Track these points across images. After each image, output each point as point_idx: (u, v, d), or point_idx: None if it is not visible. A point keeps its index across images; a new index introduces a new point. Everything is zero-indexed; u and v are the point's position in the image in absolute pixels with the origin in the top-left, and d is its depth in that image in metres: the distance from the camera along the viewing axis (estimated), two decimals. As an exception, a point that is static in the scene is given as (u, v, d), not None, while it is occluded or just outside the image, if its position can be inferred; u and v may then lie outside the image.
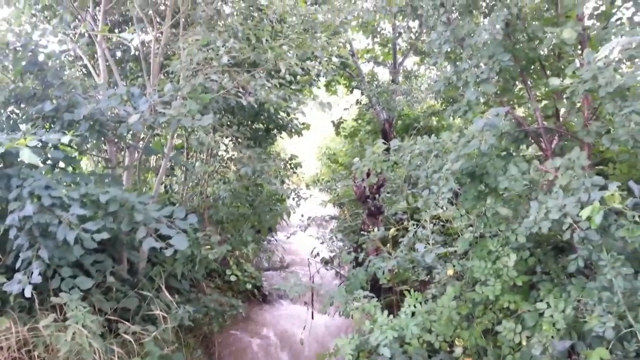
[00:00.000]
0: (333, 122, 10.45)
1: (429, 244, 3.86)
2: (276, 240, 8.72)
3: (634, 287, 2.75)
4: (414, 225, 4.29)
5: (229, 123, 5.87)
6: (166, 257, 4.55)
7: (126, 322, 3.78)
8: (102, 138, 4.45)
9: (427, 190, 3.82)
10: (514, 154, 4.11)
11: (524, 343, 3.33)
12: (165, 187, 6.48)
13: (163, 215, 3.81)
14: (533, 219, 3.10)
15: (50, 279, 3.57)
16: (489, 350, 3.57)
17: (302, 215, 7.92)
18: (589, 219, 2.59)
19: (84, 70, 5.66)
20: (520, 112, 5.25)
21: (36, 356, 3.29)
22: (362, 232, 5.63)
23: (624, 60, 3.15)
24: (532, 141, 4.22)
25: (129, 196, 3.71)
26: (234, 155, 6.60)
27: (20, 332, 3.31)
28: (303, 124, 7.29)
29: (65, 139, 3.60)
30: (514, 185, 3.48)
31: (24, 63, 4.06)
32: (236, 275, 6.12)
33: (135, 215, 3.65)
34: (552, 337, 3.02)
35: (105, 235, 3.42)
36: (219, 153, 6.73)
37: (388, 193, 6.07)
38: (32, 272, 3.21)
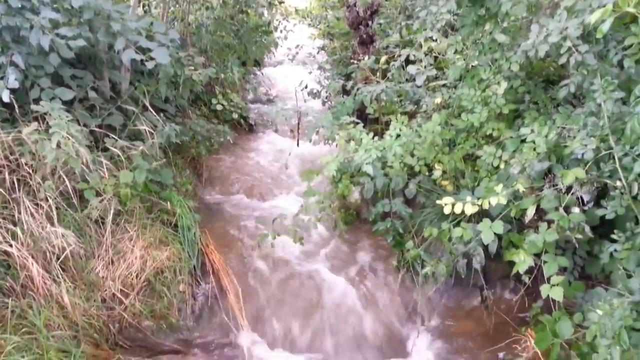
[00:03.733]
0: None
1: (421, 67, 3.76)
2: (262, 73, 8.52)
3: (622, 112, 2.75)
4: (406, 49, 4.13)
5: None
6: (149, 79, 4.45)
7: (113, 136, 3.78)
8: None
9: (424, 11, 3.62)
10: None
11: (502, 167, 3.45)
12: (143, 6, 6.04)
13: (142, 27, 3.61)
14: (532, 42, 2.98)
15: (30, 89, 3.47)
16: (467, 174, 3.71)
17: (289, 49, 7.66)
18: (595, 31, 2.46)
19: None
20: None
21: (24, 163, 3.32)
22: (351, 61, 5.48)
23: None
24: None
25: (103, 3, 3.45)
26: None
27: (4, 141, 3.29)
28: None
29: None
30: (515, 10, 3.28)
31: None
32: (222, 105, 6.08)
33: (112, 25, 3.44)
34: (531, 159, 3.11)
35: (81, 43, 3.25)
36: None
37: (381, 23, 5.77)
38: (8, 78, 3.09)
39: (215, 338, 3.46)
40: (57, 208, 3.40)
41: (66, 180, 3.46)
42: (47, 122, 3.32)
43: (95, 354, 3.17)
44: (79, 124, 3.69)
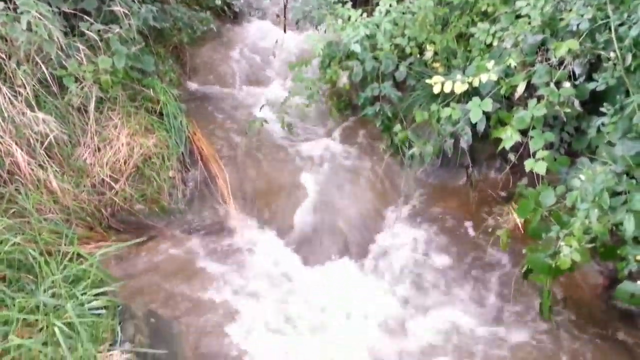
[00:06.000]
0: None
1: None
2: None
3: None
4: None
5: None
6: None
7: (88, 19, 3.58)
8: None
9: None
10: None
11: (495, 44, 3.34)
12: None
13: None
14: None
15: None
16: (459, 53, 3.59)
17: None
18: None
19: None
20: None
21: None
22: None
23: None
24: None
25: None
26: None
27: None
28: None
29: None
30: None
31: None
32: (204, -12, 5.71)
33: None
34: (525, 32, 3.00)
35: None
36: None
37: None
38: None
39: (207, 221, 3.55)
40: (36, 96, 3.32)
41: (43, 66, 3.33)
42: (15, 2, 3.13)
43: (88, 236, 3.25)
44: (50, 6, 3.48)
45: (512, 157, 3.19)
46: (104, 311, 2.61)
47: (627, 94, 2.67)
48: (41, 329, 2.46)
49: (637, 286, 2.36)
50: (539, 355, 2.76)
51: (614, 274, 2.79)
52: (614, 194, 2.27)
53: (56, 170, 3.26)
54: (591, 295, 2.91)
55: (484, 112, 3.12)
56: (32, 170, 3.18)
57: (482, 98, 3.15)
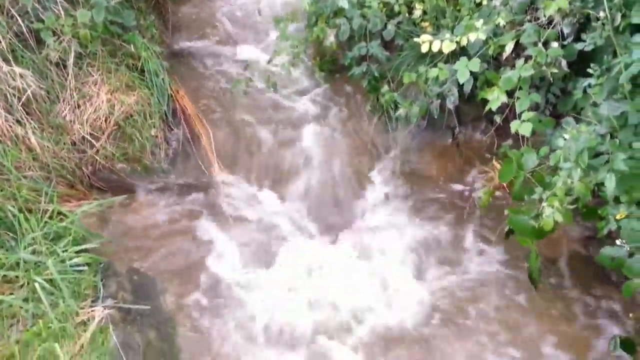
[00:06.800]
0: None
1: None
2: None
3: None
4: None
5: None
6: None
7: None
8: None
9: None
10: None
11: (484, 3, 3.27)
12: None
13: None
14: None
15: None
16: (448, 12, 3.52)
17: None
18: None
19: None
20: None
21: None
22: None
23: None
24: None
25: None
26: None
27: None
28: None
29: None
30: None
31: None
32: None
33: None
34: (515, -10, 2.94)
35: None
36: None
37: None
38: None
39: (190, 179, 3.52)
40: (12, 50, 3.21)
41: (19, 19, 3.22)
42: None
43: (70, 194, 3.21)
44: None
45: (497, 119, 3.18)
46: (85, 268, 2.61)
47: (615, 54, 2.64)
48: (22, 286, 2.46)
49: (618, 250, 2.38)
50: (516, 313, 2.84)
51: (595, 234, 2.85)
52: (597, 154, 2.28)
53: (35, 127, 3.18)
54: (571, 255, 2.98)
55: (471, 73, 3.09)
56: (10, 126, 3.10)
57: (470, 58, 3.12)
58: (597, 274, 2.91)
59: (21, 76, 3.15)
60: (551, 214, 2.37)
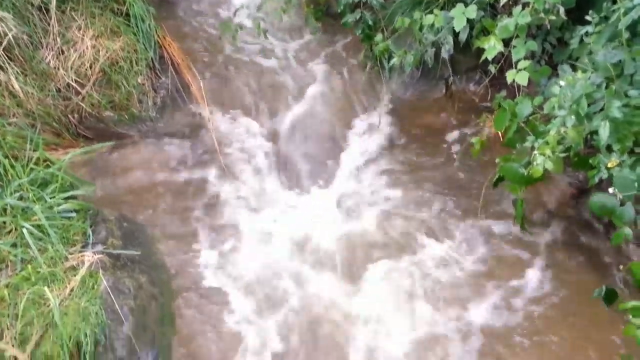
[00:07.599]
0: None
1: None
2: None
3: None
4: None
5: None
6: None
7: None
8: None
9: None
10: None
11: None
12: None
13: None
14: None
15: None
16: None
17: None
18: None
19: None
20: None
21: None
22: None
23: None
24: None
25: None
26: None
27: None
28: None
29: None
30: None
31: None
32: None
33: None
34: None
35: None
36: None
37: None
38: None
39: (179, 127, 3.46)
40: (-10, -7, 3.08)
41: (-4, -40, 3.07)
42: None
43: (56, 142, 3.16)
44: None
45: (492, 68, 3.12)
46: (74, 215, 2.58)
47: (614, 1, 2.58)
48: (10, 232, 2.44)
49: (608, 198, 2.38)
50: (505, 258, 2.88)
51: (584, 184, 2.86)
52: (591, 103, 2.24)
53: (18, 73, 3.08)
54: (560, 204, 2.99)
55: (467, 20, 3.01)
56: (-8, 72, 3.00)
57: (466, 5, 3.03)
58: (580, 220, 2.96)
59: (1, 20, 3.02)
60: (542, 162, 2.36)
